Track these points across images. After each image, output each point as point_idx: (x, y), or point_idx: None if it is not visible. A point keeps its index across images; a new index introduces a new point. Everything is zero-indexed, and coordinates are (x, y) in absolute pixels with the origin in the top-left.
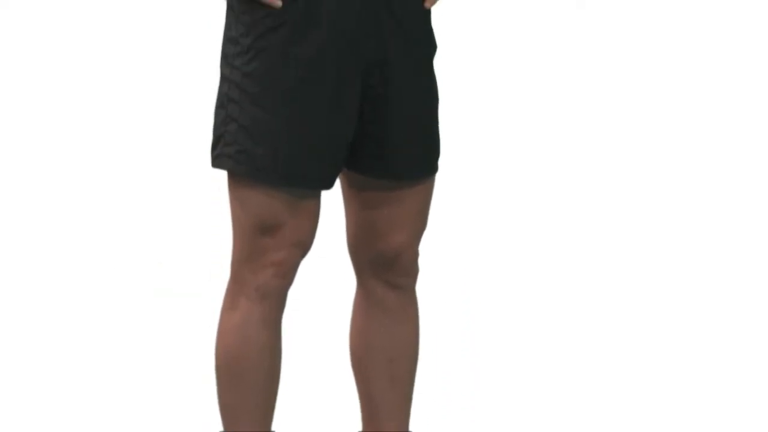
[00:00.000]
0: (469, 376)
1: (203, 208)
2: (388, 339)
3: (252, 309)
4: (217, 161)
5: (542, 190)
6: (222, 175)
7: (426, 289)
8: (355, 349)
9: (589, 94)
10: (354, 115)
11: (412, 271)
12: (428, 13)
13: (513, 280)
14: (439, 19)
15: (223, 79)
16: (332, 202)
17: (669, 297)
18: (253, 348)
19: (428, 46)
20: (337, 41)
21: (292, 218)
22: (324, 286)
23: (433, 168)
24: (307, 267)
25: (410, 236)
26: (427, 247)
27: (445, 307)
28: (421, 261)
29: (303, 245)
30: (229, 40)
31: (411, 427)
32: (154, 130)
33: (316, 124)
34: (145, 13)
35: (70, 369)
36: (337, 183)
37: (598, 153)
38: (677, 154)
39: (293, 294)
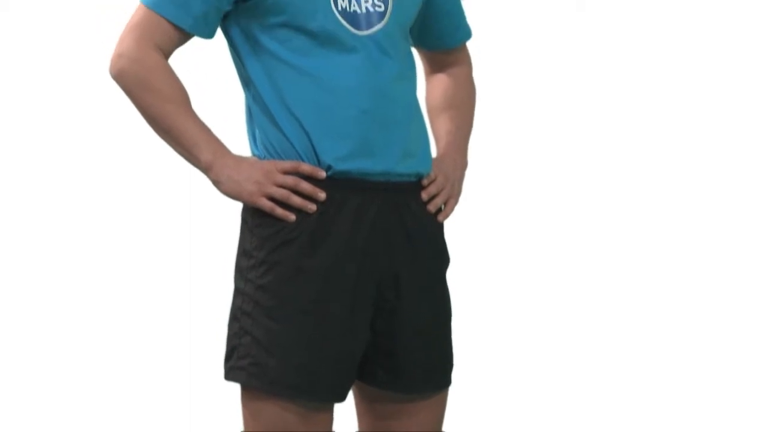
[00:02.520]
0: (468, 376)
1: (204, 208)
2: None
3: None
4: (230, 374)
5: (541, 192)
6: None
7: None
8: None
9: (589, 97)
10: (367, 327)
11: None
12: (441, 227)
13: (511, 281)
14: None
15: (237, 292)
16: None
17: (667, 298)
18: None
19: (441, 260)
20: (350, 255)
21: (306, 431)
22: None
23: (446, 382)
24: None
25: None
26: None
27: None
28: None
29: None
30: (243, 253)
31: None
32: (153, 131)
33: (329, 337)
34: None
35: (70, 370)
36: (350, 394)
37: (598, 156)
38: (678, 157)
39: None
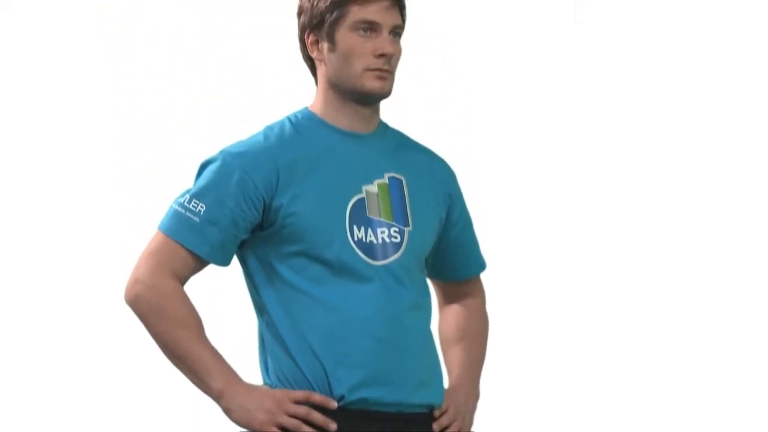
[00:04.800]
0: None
1: None
2: None
3: None
4: None
5: (540, 199)
6: None
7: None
8: None
9: (588, 101)
10: None
11: None
12: None
13: (510, 283)
14: (434, 21)
15: None
16: None
17: (667, 300)
18: None
19: None
20: None
21: None
22: None
23: None
24: None
25: None
26: None
27: None
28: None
29: None
30: None
31: None
32: (153, 131)
33: None
34: (149, 13)
35: (69, 371)
36: None
37: (596, 163)
38: (675, 159)
39: None
